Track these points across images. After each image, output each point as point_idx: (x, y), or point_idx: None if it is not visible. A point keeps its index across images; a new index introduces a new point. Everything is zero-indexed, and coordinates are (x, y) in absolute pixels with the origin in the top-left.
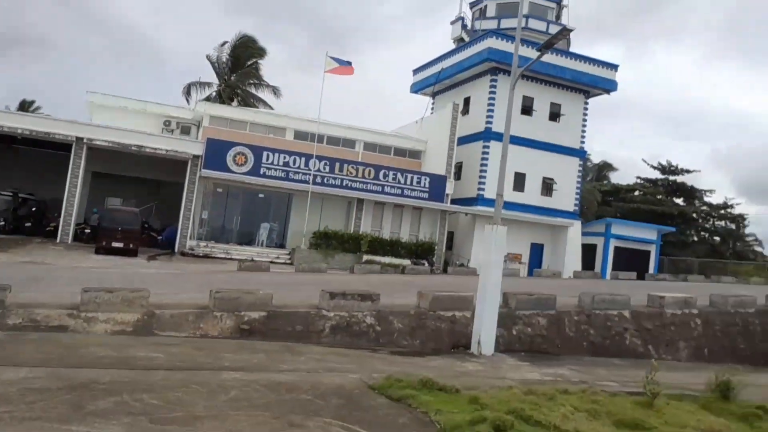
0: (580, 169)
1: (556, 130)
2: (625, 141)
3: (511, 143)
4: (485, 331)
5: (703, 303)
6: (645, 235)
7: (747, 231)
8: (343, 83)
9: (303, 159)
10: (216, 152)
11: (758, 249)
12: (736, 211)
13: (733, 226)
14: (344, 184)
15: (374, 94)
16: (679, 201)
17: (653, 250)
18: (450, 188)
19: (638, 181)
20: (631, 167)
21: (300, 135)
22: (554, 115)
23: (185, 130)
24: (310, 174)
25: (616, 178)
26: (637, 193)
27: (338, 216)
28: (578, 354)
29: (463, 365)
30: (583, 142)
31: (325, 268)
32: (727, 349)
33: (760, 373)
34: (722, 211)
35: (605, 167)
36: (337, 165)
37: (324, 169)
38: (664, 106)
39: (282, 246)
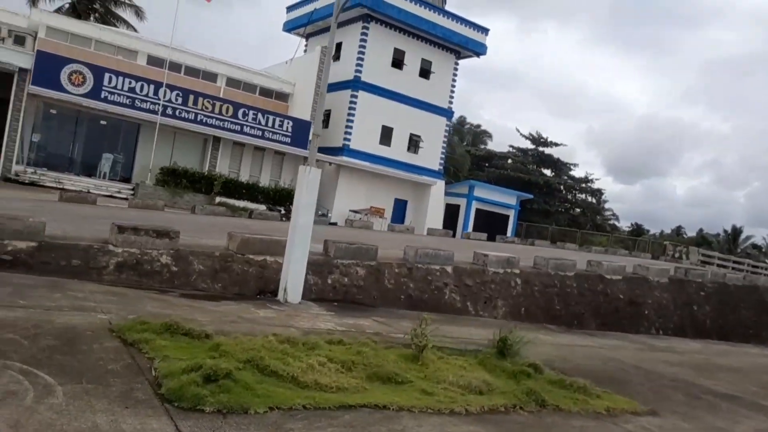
0: (447, 128)
1: (425, 87)
2: (510, 111)
3: (380, 96)
4: (292, 278)
5: (528, 264)
6: (505, 199)
7: (609, 206)
8: (221, 18)
9: (152, 86)
10: (48, 67)
11: (615, 223)
12: (596, 185)
13: (593, 200)
14: (198, 119)
15: (257, 33)
16: (547, 172)
17: (512, 214)
18: None
19: (510, 149)
20: (511, 136)
21: (154, 61)
22: (425, 71)
23: (20, 41)
24: (159, 104)
25: (492, 145)
26: (510, 161)
27: (193, 153)
28: (396, 307)
29: (255, 312)
30: (451, 102)
31: (162, 205)
32: (544, 309)
33: (568, 333)
34: (583, 185)
35: (482, 134)
36: (192, 97)
37: (176, 100)
38: (550, 82)
39: (127, 180)
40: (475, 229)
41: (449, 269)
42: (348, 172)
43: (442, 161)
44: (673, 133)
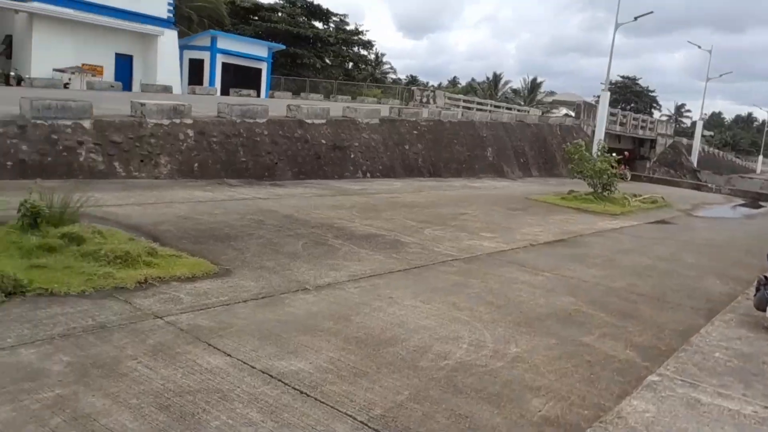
0: None
1: None
2: None
3: None
4: None
5: (211, 113)
6: (254, 51)
7: (387, 60)
8: None
9: None
10: None
11: (394, 77)
12: (369, 38)
13: (366, 53)
14: None
15: None
16: (318, 24)
17: (264, 68)
18: None
19: (279, 0)
20: None
21: None
22: None
23: None
24: None
25: None
26: (280, 14)
27: None
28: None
29: None
30: None
31: None
32: (225, 163)
33: (249, 186)
34: (354, 38)
35: None
36: None
37: None
38: None
39: None
40: (224, 85)
41: (87, 124)
42: (46, 23)
43: (171, 6)
44: None
